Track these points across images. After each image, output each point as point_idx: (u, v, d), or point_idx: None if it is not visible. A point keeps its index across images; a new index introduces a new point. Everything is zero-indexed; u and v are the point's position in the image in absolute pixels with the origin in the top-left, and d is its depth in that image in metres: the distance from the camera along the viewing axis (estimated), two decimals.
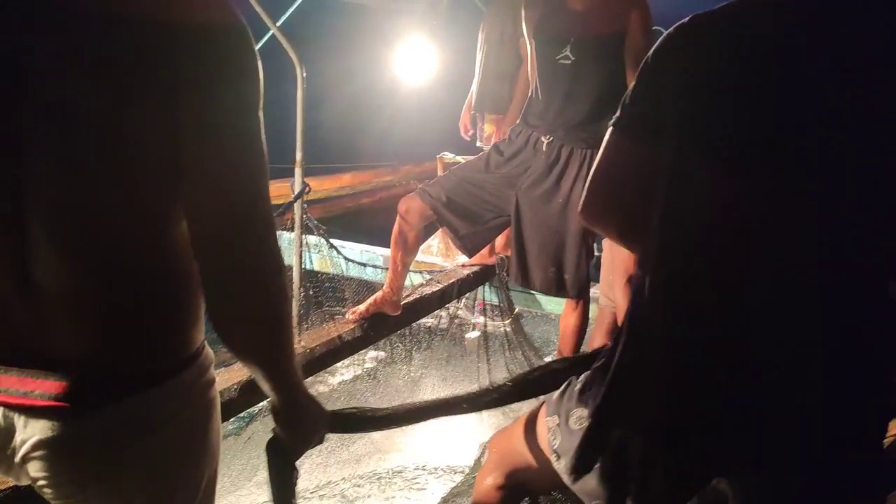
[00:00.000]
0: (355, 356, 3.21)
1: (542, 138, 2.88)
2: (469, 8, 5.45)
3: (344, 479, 3.55)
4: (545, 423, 1.31)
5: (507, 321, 4.07)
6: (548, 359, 4.11)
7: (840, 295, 1.02)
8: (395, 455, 3.81)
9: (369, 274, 3.67)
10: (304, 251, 2.85)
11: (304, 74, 2.58)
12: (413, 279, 3.64)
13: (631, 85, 1.15)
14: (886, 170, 0.97)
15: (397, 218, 2.97)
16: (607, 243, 2.82)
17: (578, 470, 1.21)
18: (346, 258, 3.23)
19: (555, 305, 3.76)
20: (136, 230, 0.90)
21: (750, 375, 1.06)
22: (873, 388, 1.06)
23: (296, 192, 2.66)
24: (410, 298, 3.38)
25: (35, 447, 0.91)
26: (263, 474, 1.29)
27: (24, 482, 0.98)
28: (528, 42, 2.97)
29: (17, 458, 0.93)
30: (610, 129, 1.17)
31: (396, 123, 7.93)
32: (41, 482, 0.94)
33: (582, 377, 1.29)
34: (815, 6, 1.00)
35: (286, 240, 2.91)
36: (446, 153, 4.74)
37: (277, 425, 1.17)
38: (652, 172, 1.10)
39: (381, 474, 3.62)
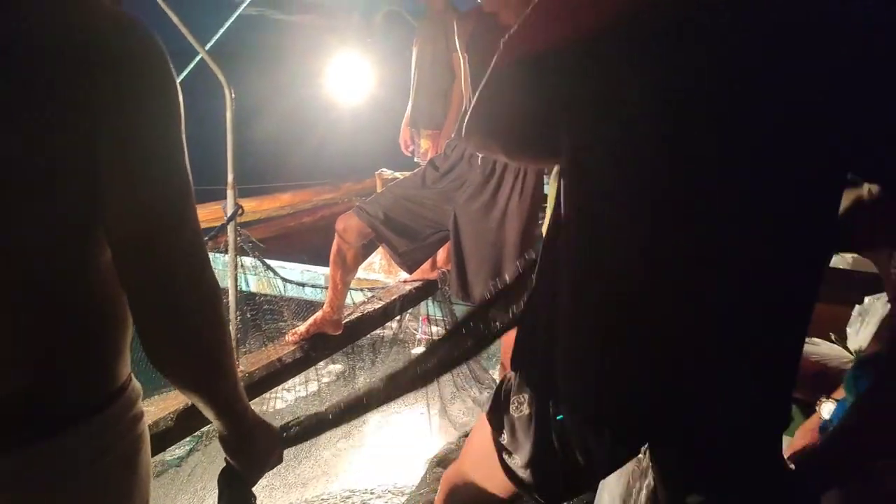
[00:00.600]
0: (298, 377, 3.16)
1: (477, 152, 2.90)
2: (402, 23, 5.47)
3: None
4: (487, 429, 1.30)
5: None
6: (492, 371, 4.13)
7: (759, 267, 1.03)
8: (343, 476, 3.76)
9: (309, 294, 3.63)
10: (240, 273, 2.80)
11: (233, 95, 2.54)
12: (355, 297, 3.62)
13: None
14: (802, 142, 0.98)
15: (335, 237, 2.95)
16: None
17: (533, 461, 1.20)
18: (283, 279, 3.18)
19: None
20: (55, 266, 0.86)
21: (668, 350, 1.08)
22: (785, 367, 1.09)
23: (228, 215, 2.61)
24: (353, 316, 3.35)
25: None
26: None
27: None
28: (461, 57, 2.99)
29: None
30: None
31: (334, 140, 7.91)
32: None
33: (516, 370, 1.29)
34: None
35: (221, 263, 2.86)
36: (385, 169, 4.73)
37: (228, 454, 1.14)
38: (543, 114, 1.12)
39: (328, 499, 3.56)
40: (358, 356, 3.90)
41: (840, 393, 1.50)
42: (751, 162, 1.00)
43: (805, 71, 0.96)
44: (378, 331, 3.76)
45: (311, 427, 1.48)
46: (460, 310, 4.05)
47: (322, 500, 3.56)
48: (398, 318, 3.85)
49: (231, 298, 2.72)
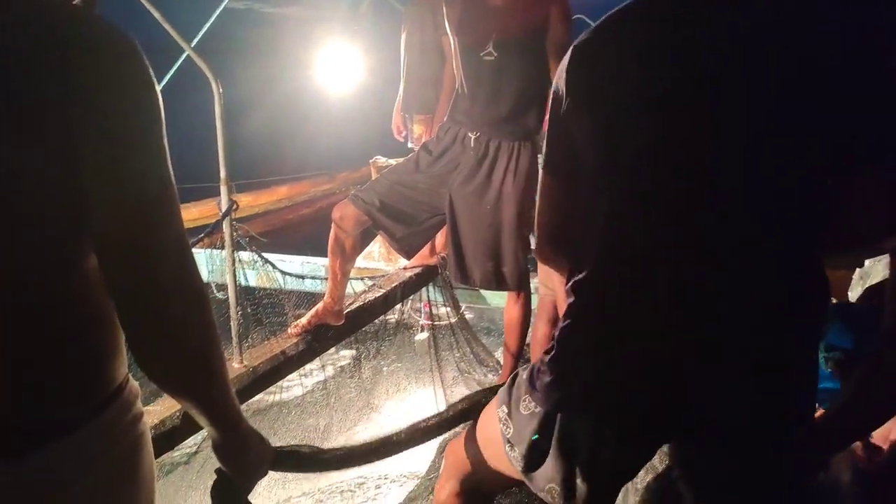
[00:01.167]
0: (302, 370, 3.16)
1: (470, 134, 2.88)
2: (390, 9, 5.44)
3: (304, 493, 3.50)
4: (496, 415, 1.32)
5: (454, 319, 4.07)
6: (496, 353, 4.13)
7: (771, 263, 1.04)
8: None
9: (309, 285, 3.63)
10: (238, 269, 2.79)
11: (221, 90, 2.53)
12: (355, 286, 3.62)
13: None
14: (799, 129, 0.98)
15: (332, 226, 2.94)
16: None
17: (530, 458, 1.22)
18: (282, 272, 3.18)
19: (499, 300, 3.77)
20: (41, 269, 0.85)
21: (687, 348, 1.09)
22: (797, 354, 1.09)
23: (223, 211, 2.60)
24: (354, 306, 3.35)
25: None
26: None
27: None
28: (451, 39, 2.97)
29: None
30: (540, 171, 1.25)
31: (326, 130, 7.89)
32: None
33: (528, 365, 1.30)
34: None
35: (219, 259, 2.85)
36: (379, 157, 4.71)
37: (221, 462, 1.14)
38: (581, 207, 1.16)
39: (344, 487, 3.57)
40: (361, 345, 3.91)
41: None
42: (746, 156, 1.00)
43: (794, 68, 0.96)
44: (380, 318, 3.76)
45: (307, 461, 1.48)
46: (462, 293, 4.06)
47: (336, 486, 3.58)
48: (400, 305, 3.85)
49: (231, 294, 2.72)
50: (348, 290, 3.21)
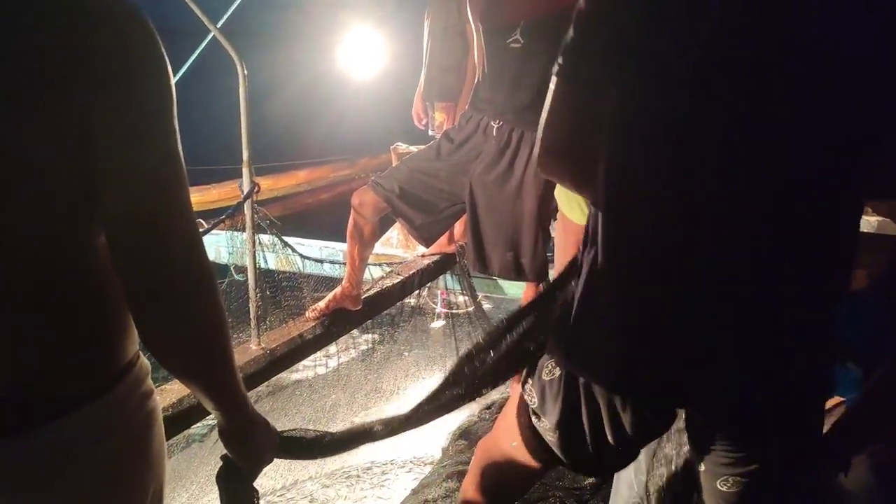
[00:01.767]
0: (317, 354, 3.19)
1: (492, 123, 2.86)
2: None
3: (311, 478, 3.52)
4: (520, 393, 1.31)
5: (471, 308, 4.07)
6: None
7: (791, 230, 1.02)
8: (364, 448, 3.79)
9: (328, 270, 3.64)
10: (259, 251, 2.81)
11: (246, 73, 2.54)
12: (373, 272, 3.63)
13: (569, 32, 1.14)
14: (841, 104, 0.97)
15: (351, 212, 2.95)
16: (559, 225, 2.84)
17: (561, 418, 1.21)
18: (301, 255, 3.20)
19: (517, 290, 3.77)
20: (51, 247, 0.85)
21: (695, 315, 1.07)
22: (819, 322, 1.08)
23: (245, 192, 2.62)
24: (371, 292, 3.36)
25: None
26: None
27: None
28: (474, 27, 2.95)
29: None
30: (553, 79, 1.18)
31: (348, 116, 7.89)
32: None
33: (549, 334, 1.28)
34: None
35: (239, 241, 2.87)
36: (400, 144, 4.71)
37: (227, 447, 1.14)
38: (596, 120, 1.11)
39: (350, 471, 3.59)
40: (377, 330, 3.92)
41: None
42: (785, 119, 0.98)
43: (843, 30, 0.94)
44: (397, 305, 3.76)
45: (312, 445, 1.47)
46: (479, 282, 4.05)
47: (343, 471, 3.60)
48: (417, 292, 3.86)
49: (250, 276, 2.74)
50: (366, 275, 3.22)
